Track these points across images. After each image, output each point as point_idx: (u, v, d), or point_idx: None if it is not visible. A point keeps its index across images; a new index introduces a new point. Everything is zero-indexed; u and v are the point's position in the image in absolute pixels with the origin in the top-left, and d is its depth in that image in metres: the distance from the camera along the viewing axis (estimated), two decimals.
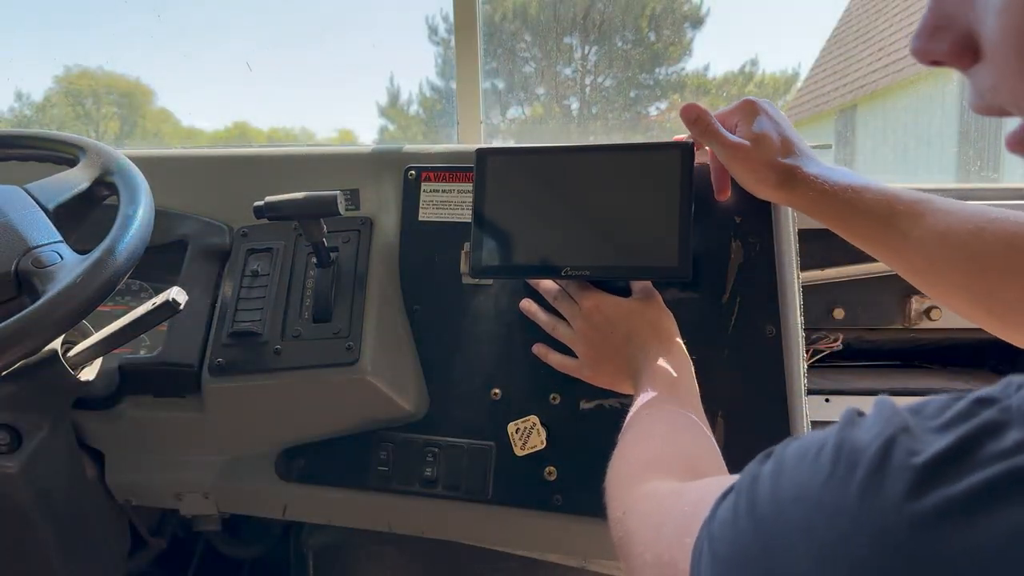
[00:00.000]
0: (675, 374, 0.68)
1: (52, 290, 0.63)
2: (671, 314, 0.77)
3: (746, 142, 0.72)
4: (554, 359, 0.81)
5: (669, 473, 0.55)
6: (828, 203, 0.69)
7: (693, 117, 0.74)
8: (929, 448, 0.27)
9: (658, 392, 0.65)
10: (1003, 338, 0.64)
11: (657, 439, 0.61)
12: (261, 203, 0.82)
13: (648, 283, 0.80)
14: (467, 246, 0.87)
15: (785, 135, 0.73)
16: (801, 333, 0.81)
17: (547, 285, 0.83)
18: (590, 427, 0.83)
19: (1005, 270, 0.59)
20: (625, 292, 0.80)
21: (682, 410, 0.64)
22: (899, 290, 1.15)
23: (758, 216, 0.82)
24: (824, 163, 0.73)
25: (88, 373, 0.81)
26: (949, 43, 0.32)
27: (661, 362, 0.69)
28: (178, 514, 1.00)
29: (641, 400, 0.66)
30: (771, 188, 0.72)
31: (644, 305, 0.76)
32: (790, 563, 0.28)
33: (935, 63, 0.33)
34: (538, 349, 0.83)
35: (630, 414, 0.66)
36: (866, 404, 1.08)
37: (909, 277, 0.69)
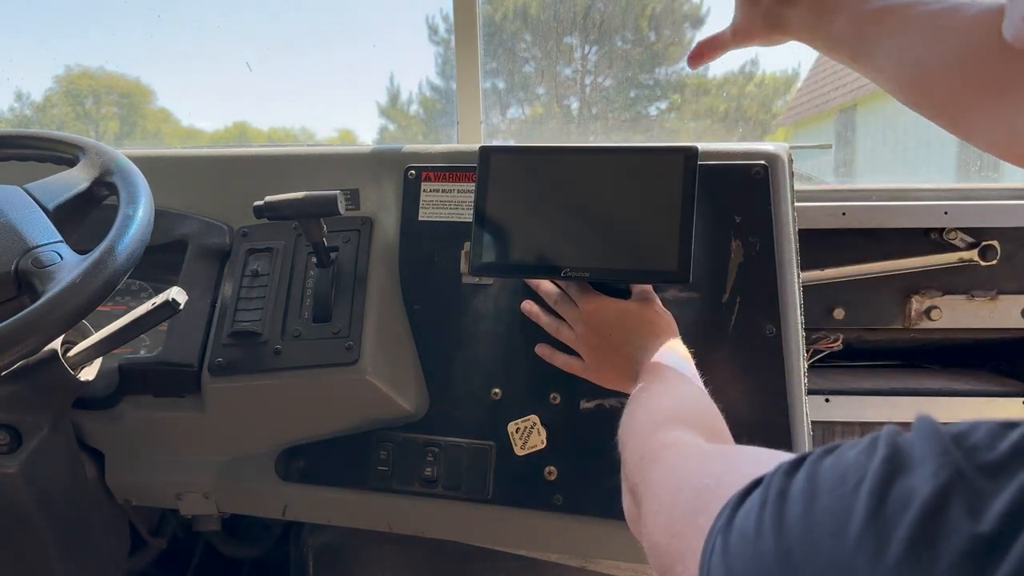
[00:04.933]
0: (678, 359, 0.69)
1: (52, 290, 0.63)
2: (670, 315, 0.77)
3: (738, 15, 0.73)
4: (560, 360, 0.81)
5: (690, 427, 0.54)
6: (816, 34, 0.68)
7: (698, 55, 0.77)
8: (990, 508, 0.25)
9: (664, 372, 0.66)
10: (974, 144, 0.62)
11: (675, 397, 0.61)
12: (261, 203, 0.82)
13: (648, 285, 0.80)
14: (467, 245, 0.87)
15: None
16: (801, 333, 0.81)
17: (547, 288, 0.83)
18: (590, 427, 0.83)
19: (954, 85, 0.56)
20: (626, 293, 0.80)
21: (690, 383, 0.64)
22: (899, 290, 1.16)
23: (758, 216, 0.82)
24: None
25: (88, 373, 0.81)
26: None
27: (663, 352, 0.70)
28: (178, 514, 1.00)
29: (650, 376, 0.66)
30: (768, 30, 0.71)
31: (642, 307, 0.76)
32: None
33: None
34: (542, 350, 0.83)
35: (638, 386, 0.66)
36: (866, 404, 1.09)
37: (898, 98, 0.66)
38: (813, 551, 0.28)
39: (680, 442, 0.51)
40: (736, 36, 0.74)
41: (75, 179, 0.77)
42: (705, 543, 0.36)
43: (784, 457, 0.35)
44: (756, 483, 0.35)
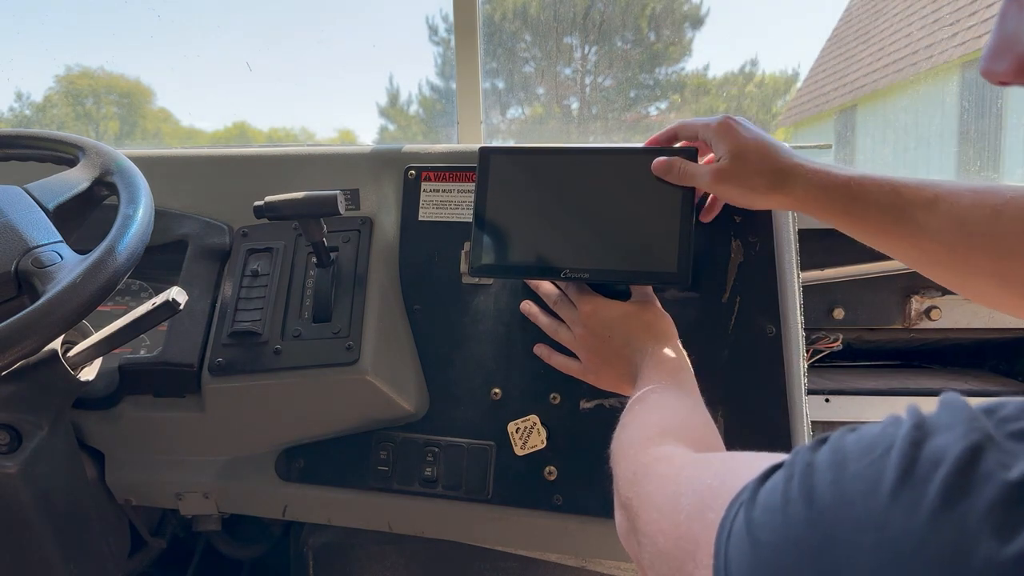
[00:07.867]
0: (675, 367, 0.68)
1: (52, 290, 0.63)
2: (669, 317, 0.77)
3: (725, 164, 0.70)
4: (557, 361, 0.81)
5: (682, 441, 0.54)
6: (830, 199, 0.66)
7: (664, 170, 0.75)
8: (1020, 463, 0.25)
9: (661, 380, 0.65)
10: None
11: (668, 411, 0.61)
12: (261, 203, 0.82)
13: (647, 287, 0.79)
14: (467, 246, 0.87)
15: (766, 141, 0.70)
16: (801, 333, 0.81)
17: (547, 289, 0.83)
18: (590, 427, 0.83)
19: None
20: (625, 295, 0.80)
21: (686, 394, 0.64)
22: (899, 290, 1.16)
23: (758, 216, 0.82)
24: (816, 161, 0.70)
25: (88, 373, 0.81)
26: (1010, 63, 0.34)
27: (661, 358, 0.70)
28: (178, 514, 1.01)
29: (645, 386, 0.66)
30: (763, 195, 0.69)
31: (641, 309, 0.76)
32: (854, 556, 0.28)
33: (1001, 83, 0.35)
34: (540, 350, 0.83)
35: (634, 396, 0.65)
36: (866, 404, 1.09)
37: (926, 269, 0.66)
38: (847, 511, 0.29)
39: (672, 455, 0.51)
40: (715, 192, 0.75)
41: (75, 179, 0.77)
42: (720, 529, 0.36)
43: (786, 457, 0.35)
44: (776, 467, 0.35)
